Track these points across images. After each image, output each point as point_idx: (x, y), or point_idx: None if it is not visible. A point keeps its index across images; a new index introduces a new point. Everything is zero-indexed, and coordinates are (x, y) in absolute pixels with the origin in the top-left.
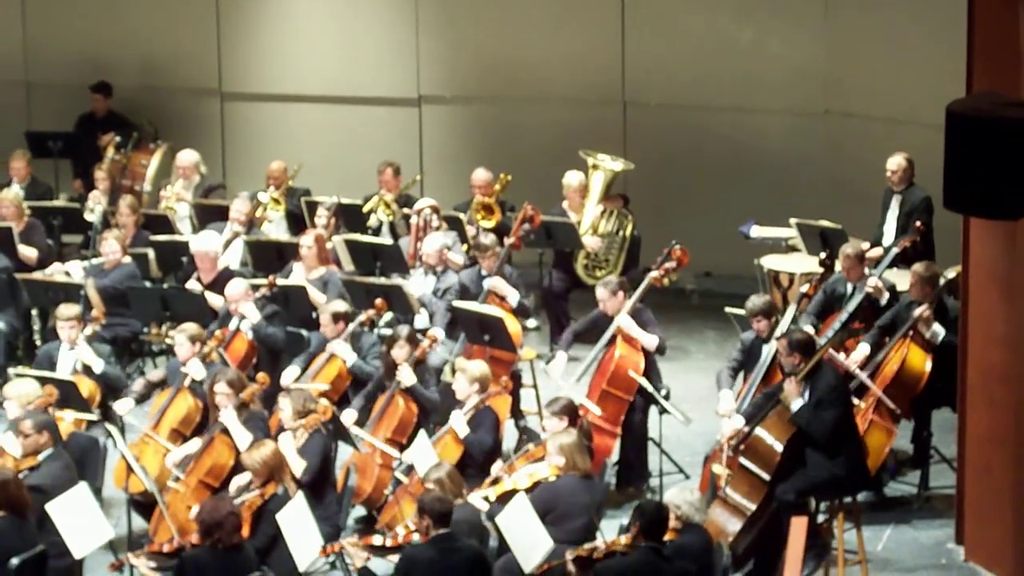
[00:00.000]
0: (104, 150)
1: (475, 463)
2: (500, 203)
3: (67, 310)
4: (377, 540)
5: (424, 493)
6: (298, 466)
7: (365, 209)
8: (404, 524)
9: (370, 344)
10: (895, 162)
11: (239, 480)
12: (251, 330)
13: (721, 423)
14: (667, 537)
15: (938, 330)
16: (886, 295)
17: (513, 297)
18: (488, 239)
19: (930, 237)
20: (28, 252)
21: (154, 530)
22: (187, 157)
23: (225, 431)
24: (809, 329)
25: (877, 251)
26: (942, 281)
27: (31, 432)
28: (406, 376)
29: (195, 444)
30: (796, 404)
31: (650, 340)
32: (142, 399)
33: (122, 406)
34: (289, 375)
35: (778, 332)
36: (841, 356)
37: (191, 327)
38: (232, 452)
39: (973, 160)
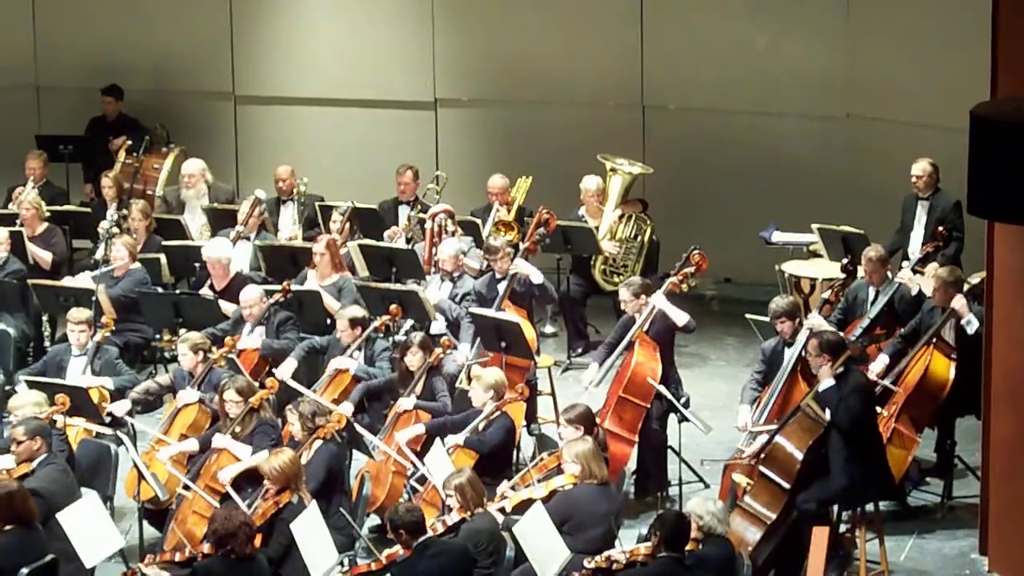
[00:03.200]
0: (116, 154)
1: (486, 463)
2: (519, 209)
3: (78, 314)
4: (363, 567)
5: (392, 508)
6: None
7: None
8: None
9: (381, 348)
10: (920, 168)
11: (231, 471)
12: (261, 351)
13: (742, 436)
14: (688, 547)
15: (972, 320)
16: (916, 287)
17: (537, 276)
18: (498, 241)
19: (961, 241)
20: (43, 255)
21: (167, 539)
22: (192, 166)
23: (233, 435)
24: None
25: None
26: (966, 287)
27: (23, 439)
28: (405, 403)
29: (191, 443)
30: (826, 384)
31: (679, 315)
32: (149, 404)
33: (119, 407)
34: (287, 368)
35: (800, 337)
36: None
37: (193, 337)
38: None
39: (998, 165)
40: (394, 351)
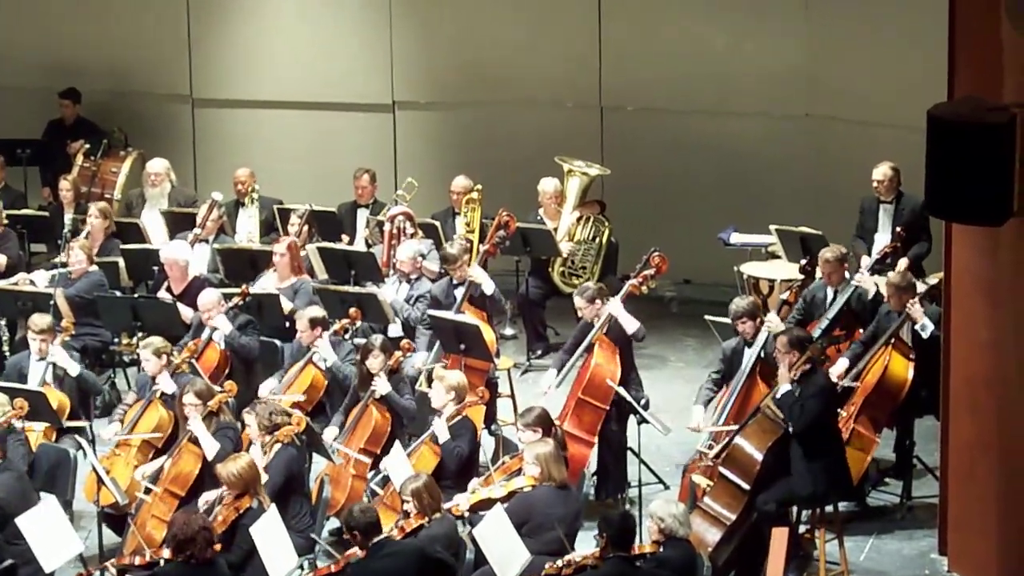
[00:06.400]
0: (74, 158)
1: (450, 473)
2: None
3: (40, 322)
4: (325, 569)
5: (345, 511)
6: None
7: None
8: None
9: (345, 352)
10: (881, 172)
11: (208, 496)
12: (224, 341)
13: (701, 437)
14: (649, 550)
15: (927, 324)
16: (873, 289)
17: (489, 286)
18: (455, 248)
19: (930, 241)
20: None
21: (126, 544)
22: (157, 165)
23: (193, 440)
24: None
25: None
26: (922, 288)
27: None
28: (381, 386)
29: (162, 461)
30: (784, 388)
31: (630, 323)
32: (109, 409)
33: (109, 431)
34: (267, 388)
35: (760, 338)
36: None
37: (156, 341)
38: (198, 461)
39: (956, 166)
40: (356, 354)
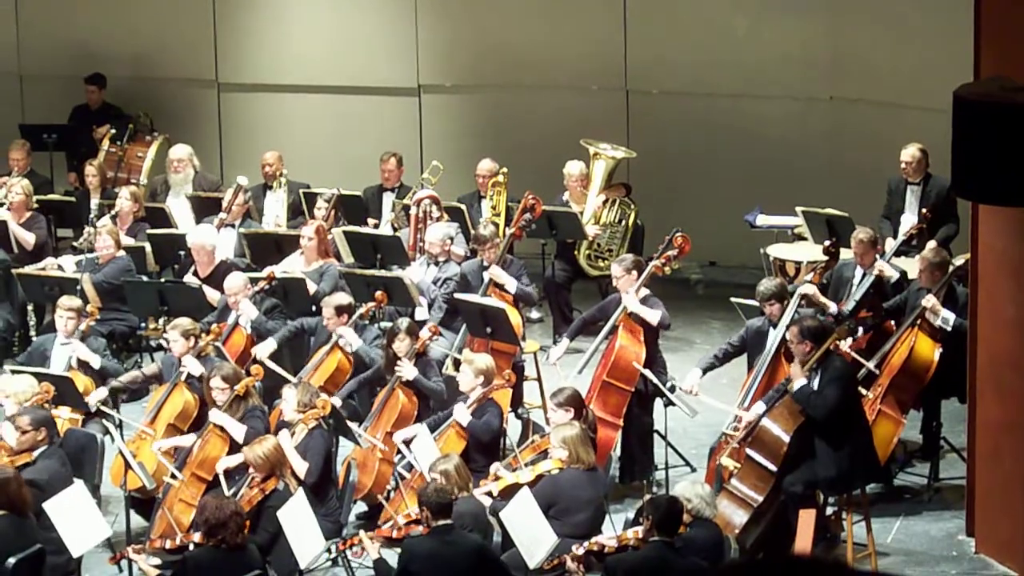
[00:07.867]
0: (99, 143)
1: (481, 450)
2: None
3: (68, 301)
4: (386, 531)
5: (424, 485)
6: (300, 467)
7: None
8: (405, 514)
9: (372, 337)
10: (909, 153)
11: (227, 461)
12: (251, 326)
13: (728, 420)
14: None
15: (948, 316)
16: (895, 275)
17: (511, 284)
18: (487, 230)
19: (958, 222)
20: (26, 236)
21: (154, 527)
22: (179, 151)
23: (219, 424)
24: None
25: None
26: (951, 268)
27: (28, 428)
28: (407, 371)
29: (188, 438)
30: (798, 383)
31: (652, 315)
32: (136, 394)
33: (96, 395)
34: (265, 349)
35: (783, 321)
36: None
37: (184, 322)
38: (225, 445)
39: (982, 146)
40: (382, 338)
